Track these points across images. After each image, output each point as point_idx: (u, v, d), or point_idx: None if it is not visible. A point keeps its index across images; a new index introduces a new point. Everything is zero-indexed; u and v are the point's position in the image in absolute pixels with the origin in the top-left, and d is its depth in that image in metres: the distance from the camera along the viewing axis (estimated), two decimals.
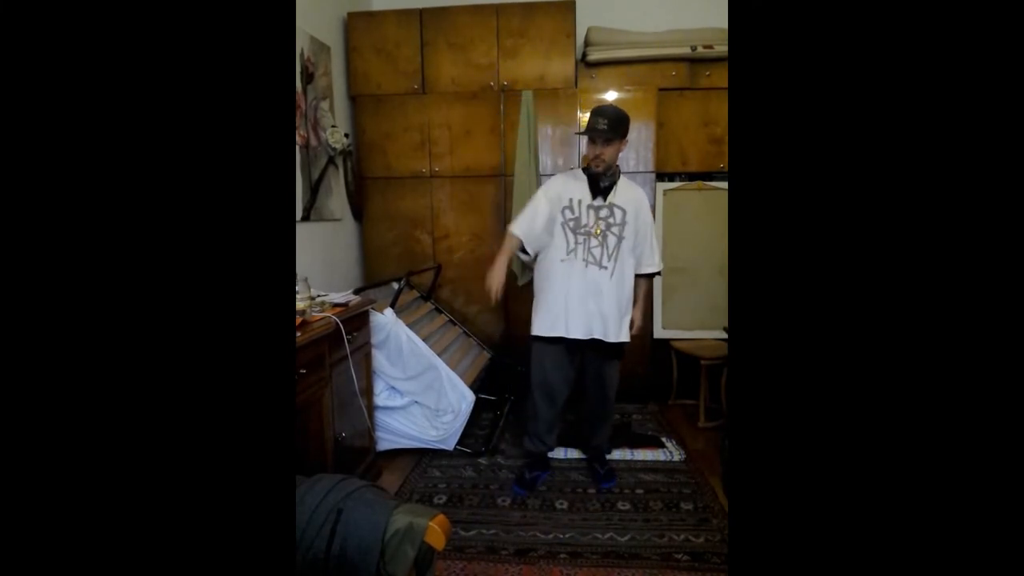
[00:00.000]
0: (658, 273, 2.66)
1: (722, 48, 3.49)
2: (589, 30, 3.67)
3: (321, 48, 3.24)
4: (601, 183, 2.46)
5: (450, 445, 2.91)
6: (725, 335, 3.11)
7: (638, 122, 3.50)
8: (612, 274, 2.46)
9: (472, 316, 3.75)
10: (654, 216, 3.55)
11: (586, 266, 2.45)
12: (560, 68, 3.53)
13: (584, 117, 3.52)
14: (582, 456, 2.94)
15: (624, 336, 2.54)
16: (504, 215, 3.59)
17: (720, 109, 3.57)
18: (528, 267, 3.51)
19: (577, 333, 2.47)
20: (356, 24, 3.61)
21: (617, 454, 2.95)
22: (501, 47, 3.54)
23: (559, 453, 2.97)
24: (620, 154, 2.46)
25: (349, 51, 3.63)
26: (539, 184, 3.48)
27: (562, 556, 2.12)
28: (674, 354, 3.65)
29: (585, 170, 2.51)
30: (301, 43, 3.00)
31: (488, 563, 2.09)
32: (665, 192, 3.68)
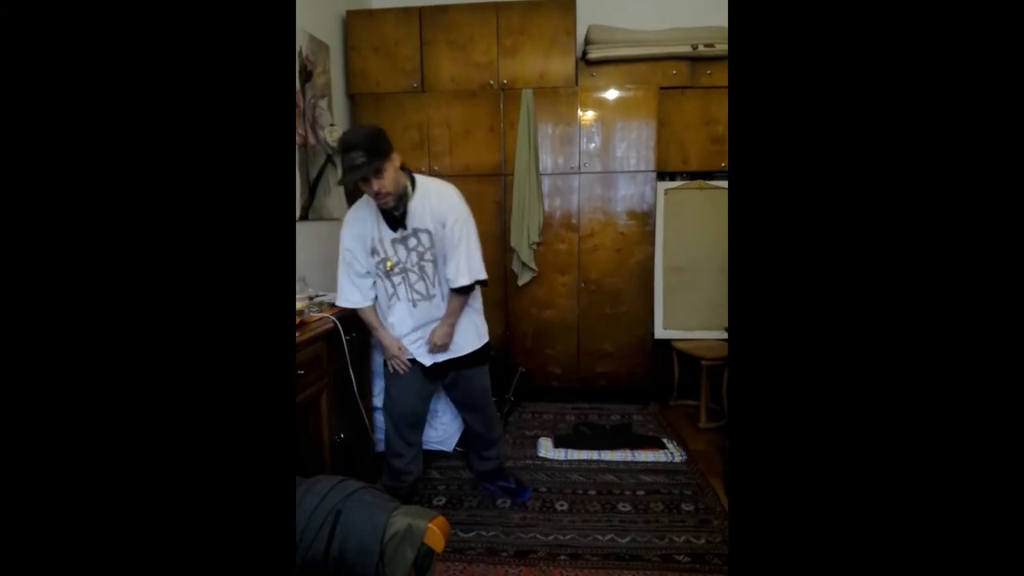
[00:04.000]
0: (471, 287, 2.22)
1: (723, 46, 3.48)
2: (589, 28, 3.66)
3: (320, 46, 3.22)
4: (395, 212, 2.11)
5: (449, 446, 2.90)
6: (726, 335, 3.10)
7: (638, 121, 3.50)
8: (443, 297, 2.24)
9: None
10: (655, 216, 3.57)
11: (415, 305, 2.22)
12: (560, 66, 3.52)
13: (585, 116, 3.52)
14: (581, 457, 2.92)
15: (475, 343, 2.36)
16: (504, 214, 3.58)
17: (721, 108, 3.55)
18: (528, 266, 3.51)
19: (426, 359, 2.30)
20: (355, 22, 3.59)
21: (618, 455, 2.93)
22: (501, 45, 3.52)
23: (559, 454, 2.96)
24: (397, 169, 2.04)
25: (348, 49, 3.61)
26: (539, 183, 3.49)
27: (562, 558, 2.11)
28: (675, 354, 3.63)
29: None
30: (299, 41, 2.99)
31: (488, 565, 2.08)
32: (666, 191, 3.67)
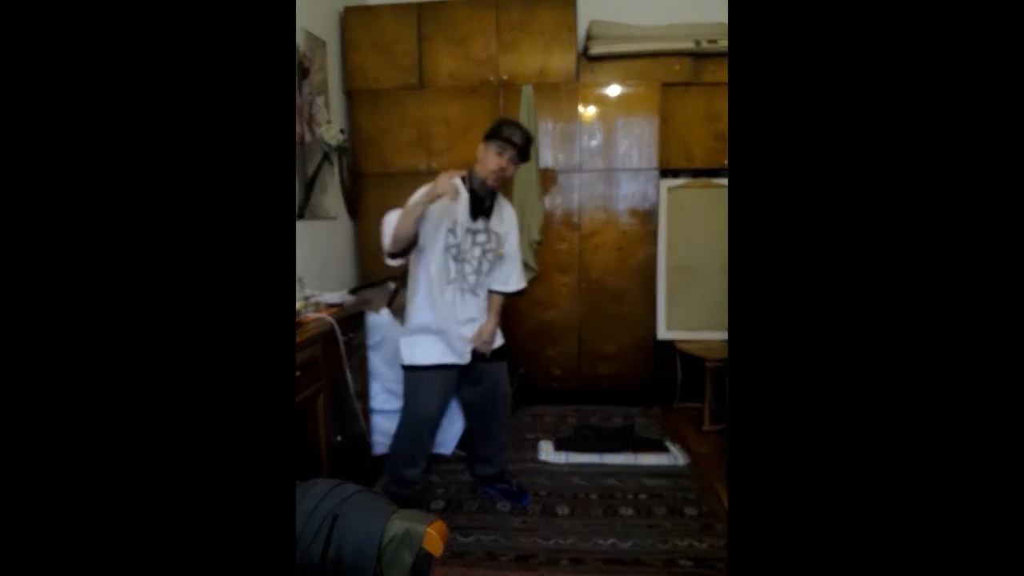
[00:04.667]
0: (520, 292, 2.47)
1: (726, 43, 3.44)
2: (591, 23, 3.62)
3: (317, 43, 3.19)
4: (486, 203, 2.25)
5: (449, 449, 2.86)
6: None
7: (641, 118, 3.47)
8: (483, 298, 2.37)
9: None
10: (658, 214, 3.55)
11: (463, 295, 2.30)
12: (561, 62, 3.48)
13: (586, 112, 3.48)
14: (582, 460, 2.89)
15: (501, 339, 2.46)
16: None
17: (725, 105, 3.49)
18: (528, 266, 3.47)
19: (460, 360, 2.32)
20: (352, 18, 3.56)
21: (620, 458, 2.89)
22: (500, 41, 3.48)
23: (560, 457, 2.92)
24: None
25: (345, 46, 3.57)
26: (539, 181, 3.45)
27: (563, 563, 2.08)
28: (678, 356, 3.59)
29: (468, 181, 2.24)
30: (297, 38, 2.95)
31: (488, 569, 2.05)
32: (669, 189, 3.63)
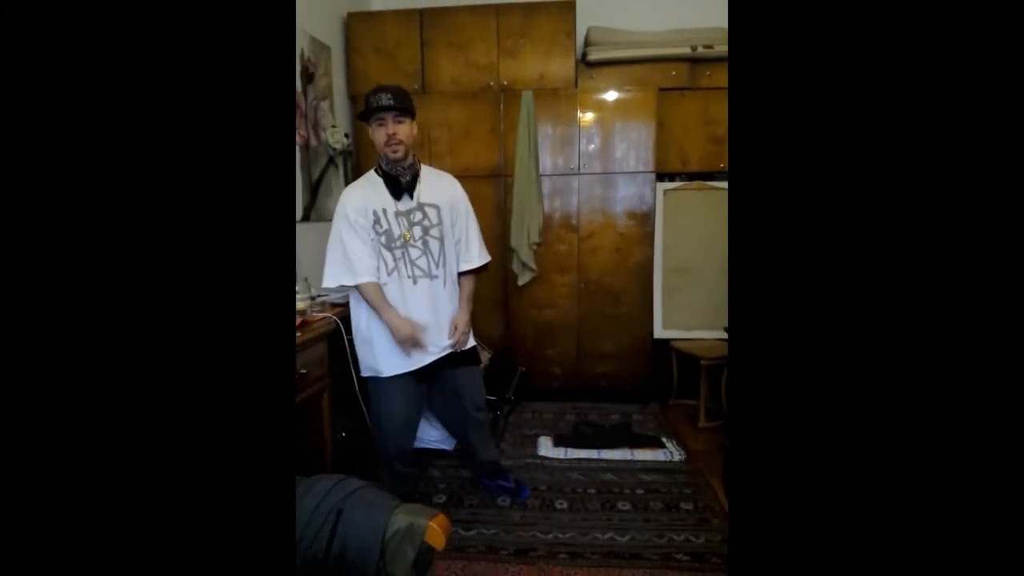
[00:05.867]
0: (483, 268, 2.34)
1: (723, 48, 3.48)
2: (589, 30, 3.67)
3: (321, 48, 3.24)
4: (401, 180, 2.13)
5: (450, 445, 2.89)
6: (726, 335, 3.11)
7: (638, 122, 3.51)
8: (445, 282, 2.22)
9: (472, 316, 3.71)
10: (654, 217, 3.58)
11: (415, 282, 2.16)
12: (560, 68, 3.53)
13: (584, 117, 3.53)
14: (580, 456, 2.93)
15: (473, 340, 2.34)
16: (504, 215, 3.59)
17: (721, 109, 3.56)
18: (528, 267, 3.52)
19: (427, 359, 2.21)
20: (356, 24, 3.61)
21: (618, 454, 2.94)
22: (501, 47, 3.54)
23: (559, 453, 2.97)
24: (413, 133, 2.13)
25: (349, 51, 3.63)
26: (539, 184, 3.49)
27: (562, 556, 2.12)
28: (674, 354, 3.64)
29: (379, 170, 2.17)
30: (301, 43, 3.00)
31: (488, 563, 2.09)
32: (665, 192, 3.68)
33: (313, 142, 3.11)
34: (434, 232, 2.17)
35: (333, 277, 2.14)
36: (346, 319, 2.33)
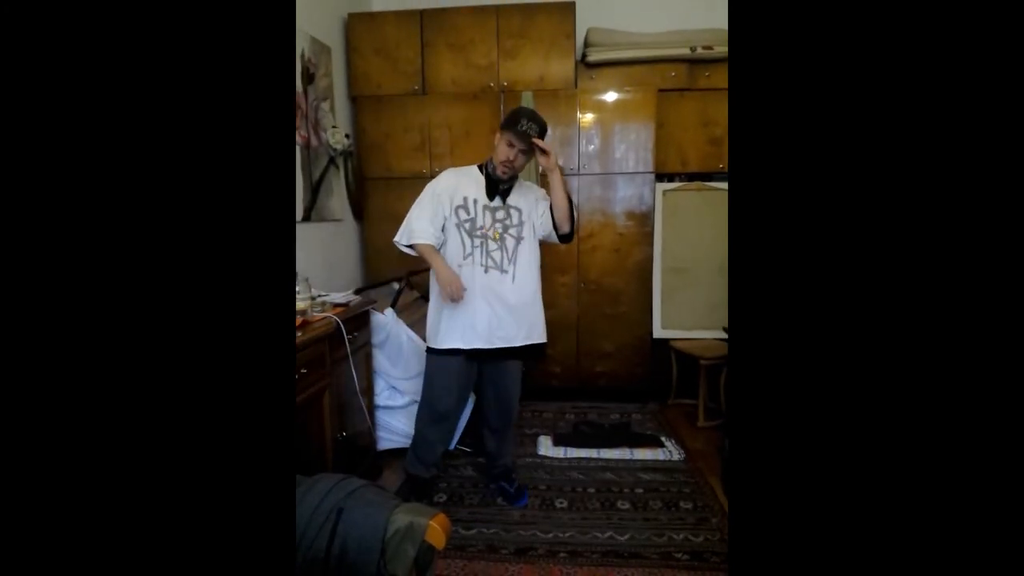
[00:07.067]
0: (572, 235, 2.42)
1: (722, 49, 3.50)
2: (589, 31, 3.68)
3: (322, 49, 3.25)
4: (500, 186, 2.31)
5: (450, 444, 2.91)
6: (725, 335, 3.12)
7: (637, 123, 3.53)
8: (513, 278, 2.32)
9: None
10: (654, 217, 3.60)
11: (486, 271, 2.29)
12: (560, 69, 3.54)
13: (584, 118, 3.54)
14: (580, 455, 2.95)
15: (535, 338, 2.40)
16: None
17: (719, 110, 3.57)
18: None
19: (479, 343, 2.32)
20: (356, 25, 3.61)
21: (617, 453, 2.96)
22: (501, 48, 3.55)
23: (559, 452, 2.99)
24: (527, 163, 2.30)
25: (349, 52, 3.63)
26: (539, 184, 3.48)
27: (562, 555, 2.13)
28: (673, 354, 3.65)
29: (483, 169, 2.34)
30: (302, 44, 3.01)
31: (488, 562, 2.10)
32: (664, 193, 3.69)
33: (314, 142, 3.12)
34: (512, 231, 2.33)
35: (400, 234, 2.35)
36: (347, 319, 2.34)
